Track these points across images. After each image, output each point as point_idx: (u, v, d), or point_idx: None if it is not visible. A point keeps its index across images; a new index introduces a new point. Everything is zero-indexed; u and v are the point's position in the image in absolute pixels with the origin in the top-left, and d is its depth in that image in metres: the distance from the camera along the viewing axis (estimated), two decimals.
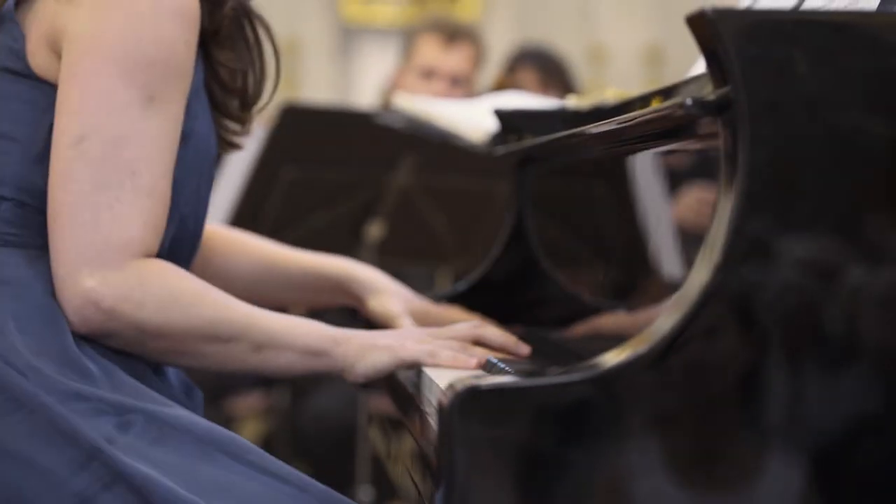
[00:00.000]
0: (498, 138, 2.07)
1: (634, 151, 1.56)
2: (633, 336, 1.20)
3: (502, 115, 2.04)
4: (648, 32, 6.33)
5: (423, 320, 1.80)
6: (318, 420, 3.63)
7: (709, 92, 1.23)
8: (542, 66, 4.24)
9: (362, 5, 6.28)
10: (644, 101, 1.70)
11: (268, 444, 3.84)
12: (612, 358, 1.18)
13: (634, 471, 1.18)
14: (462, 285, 2.01)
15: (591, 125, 1.55)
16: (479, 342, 1.54)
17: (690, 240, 1.40)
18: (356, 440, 3.17)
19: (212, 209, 1.66)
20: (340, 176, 3.04)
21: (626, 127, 1.45)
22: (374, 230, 3.08)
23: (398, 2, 6.34)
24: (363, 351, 1.49)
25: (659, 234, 1.52)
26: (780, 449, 1.19)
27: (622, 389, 1.17)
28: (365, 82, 6.06)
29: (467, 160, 3.01)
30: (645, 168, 1.55)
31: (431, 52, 3.86)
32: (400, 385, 1.56)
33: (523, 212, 1.99)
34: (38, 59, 1.47)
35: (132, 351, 1.45)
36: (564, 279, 1.89)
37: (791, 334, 1.19)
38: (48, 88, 1.46)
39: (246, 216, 2.97)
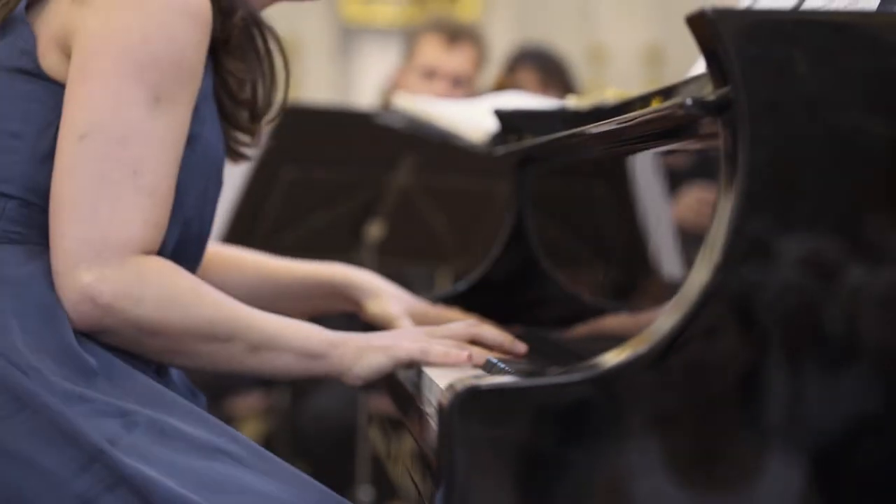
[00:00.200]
0: (498, 138, 2.07)
1: (634, 151, 1.56)
2: (634, 336, 1.20)
3: (502, 115, 2.04)
4: (648, 32, 6.33)
5: (421, 321, 1.80)
6: (318, 420, 3.63)
7: (709, 92, 1.23)
8: (542, 66, 4.24)
9: (362, 5, 6.28)
10: (644, 101, 1.70)
11: (268, 444, 3.83)
12: (612, 358, 1.18)
13: (634, 471, 1.18)
14: (462, 285, 2.01)
15: (591, 125, 1.55)
16: (475, 341, 1.54)
17: (690, 240, 1.40)
18: (356, 440, 3.17)
19: None
20: (340, 176, 3.03)
21: (626, 127, 1.45)
22: (374, 230, 3.08)
23: (398, 2, 6.34)
24: (360, 353, 1.49)
25: (659, 234, 1.52)
26: (780, 449, 1.19)
27: (622, 389, 1.17)
28: (365, 82, 6.05)
29: (467, 160, 3.01)
30: (645, 168, 1.55)
31: (433, 52, 3.86)
32: (400, 385, 1.56)
33: (523, 212, 1.99)
34: (48, 59, 1.48)
35: (129, 349, 1.45)
36: (564, 279, 1.89)
37: (791, 334, 1.19)
38: (58, 89, 1.46)
39: (246, 216, 2.97)
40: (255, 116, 1.64)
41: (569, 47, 5.35)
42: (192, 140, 1.50)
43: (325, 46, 6.17)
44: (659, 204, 1.52)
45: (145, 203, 1.43)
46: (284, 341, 1.48)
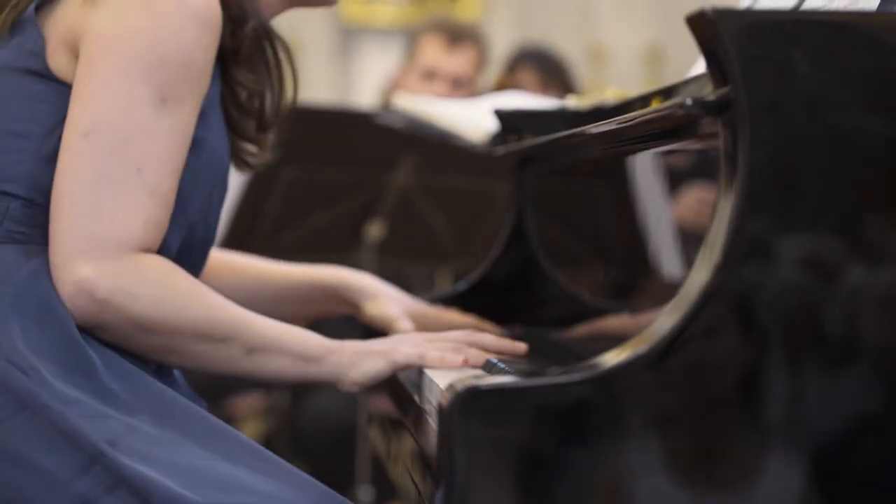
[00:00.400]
0: (498, 138, 2.07)
1: (634, 151, 1.56)
2: (634, 336, 1.20)
3: (502, 115, 2.04)
4: (648, 32, 6.32)
5: (420, 322, 1.80)
6: (318, 420, 3.63)
7: (709, 92, 1.23)
8: (542, 66, 4.24)
9: (362, 5, 6.28)
10: (644, 101, 1.70)
11: (268, 444, 3.81)
12: (612, 358, 1.18)
13: (634, 471, 1.18)
14: (462, 285, 2.01)
15: (591, 125, 1.55)
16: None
17: (690, 240, 1.40)
18: (356, 440, 3.17)
19: None
20: (340, 176, 3.03)
21: (626, 127, 1.45)
22: (374, 230, 3.08)
23: (398, 2, 6.34)
24: (357, 358, 1.49)
25: (659, 234, 1.52)
26: (780, 449, 1.19)
27: (622, 389, 1.17)
28: (365, 82, 6.05)
29: (467, 160, 3.01)
30: (645, 168, 1.55)
31: (434, 53, 3.85)
32: (400, 385, 1.56)
33: (523, 212, 1.99)
34: (56, 60, 1.48)
35: (125, 346, 1.44)
36: (564, 279, 1.89)
37: (791, 334, 1.19)
38: (66, 90, 1.47)
39: (246, 216, 2.97)
40: (262, 127, 1.64)
41: (569, 47, 5.35)
42: (198, 145, 1.50)
43: (325, 46, 6.17)
44: (659, 204, 1.52)
45: (147, 202, 1.43)
46: (280, 344, 1.48)
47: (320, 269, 1.89)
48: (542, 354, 1.63)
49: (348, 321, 1.89)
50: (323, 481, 1.44)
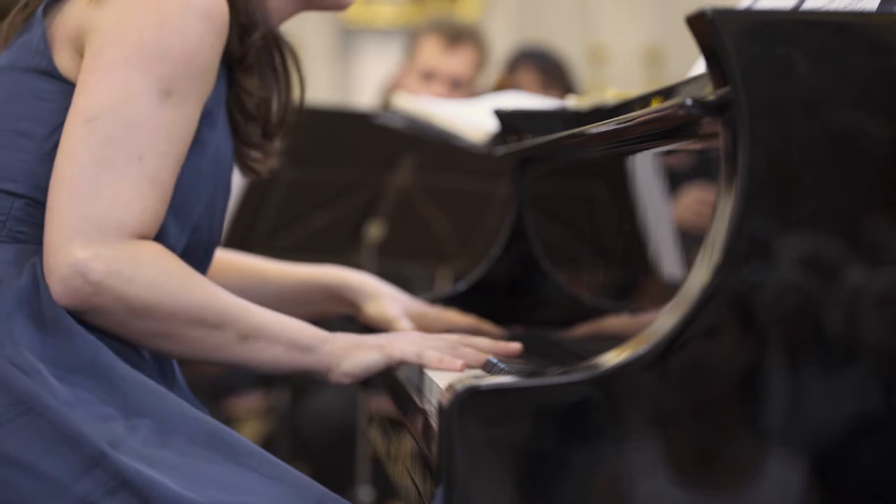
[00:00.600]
0: (498, 138, 2.07)
1: (634, 151, 1.56)
2: (634, 336, 1.20)
3: (502, 115, 2.04)
4: (648, 32, 6.33)
5: (419, 322, 1.80)
6: (317, 420, 3.63)
7: (709, 92, 1.23)
8: (542, 66, 4.24)
9: (362, 5, 6.28)
10: (644, 101, 1.70)
11: (268, 444, 3.83)
12: (612, 358, 1.18)
13: (634, 471, 1.18)
14: (462, 285, 2.01)
15: (591, 125, 1.55)
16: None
17: (690, 240, 1.40)
18: (356, 440, 3.17)
19: None
20: (340, 176, 3.03)
21: (626, 127, 1.45)
22: (374, 230, 3.08)
23: (398, 2, 6.34)
24: (351, 349, 1.49)
25: (659, 234, 1.52)
26: (779, 449, 1.19)
27: (622, 389, 1.17)
28: (365, 82, 6.06)
29: (467, 160, 3.01)
30: (645, 168, 1.55)
31: (432, 53, 3.85)
32: (400, 385, 1.55)
33: (523, 212, 1.99)
34: (62, 59, 1.48)
35: (118, 333, 1.44)
36: (564, 279, 1.89)
37: (791, 334, 1.19)
38: (71, 89, 1.47)
39: (246, 216, 2.97)
40: (268, 134, 1.64)
41: (569, 47, 5.35)
42: (202, 145, 1.50)
43: (325, 47, 6.17)
44: (659, 204, 1.52)
45: (147, 190, 1.43)
46: (274, 332, 1.47)
47: (320, 268, 1.89)
48: (542, 354, 1.63)
49: (348, 321, 1.89)
50: (323, 482, 1.44)
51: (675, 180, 1.49)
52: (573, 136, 1.67)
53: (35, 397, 1.35)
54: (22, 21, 1.54)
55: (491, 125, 2.21)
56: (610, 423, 1.17)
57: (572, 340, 1.76)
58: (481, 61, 3.92)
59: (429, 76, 3.83)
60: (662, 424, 1.18)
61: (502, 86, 3.88)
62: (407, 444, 1.61)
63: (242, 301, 1.48)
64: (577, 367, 1.18)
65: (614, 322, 1.64)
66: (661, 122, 1.36)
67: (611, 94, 1.89)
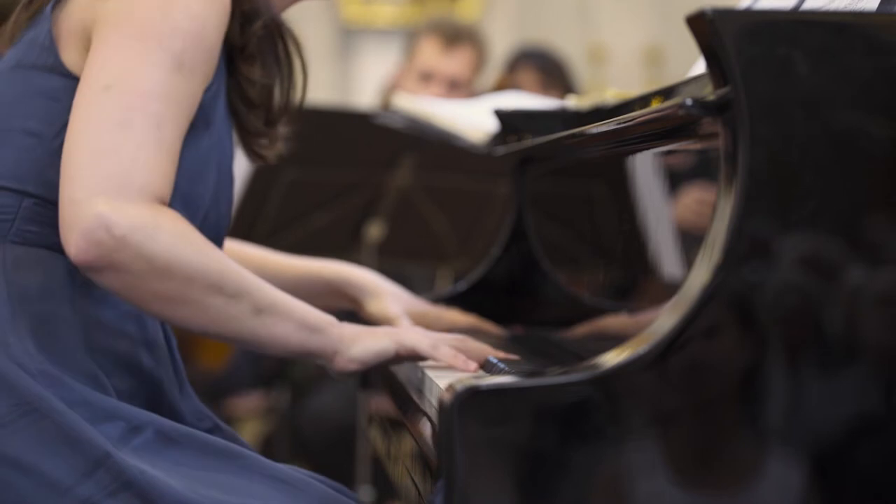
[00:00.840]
0: (498, 138, 2.08)
1: (634, 151, 1.56)
2: (634, 336, 1.20)
3: (502, 115, 2.04)
4: (648, 32, 6.33)
5: (420, 321, 1.80)
6: (317, 420, 3.63)
7: (709, 92, 1.23)
8: (542, 66, 4.24)
9: (362, 5, 6.28)
10: (644, 101, 1.70)
11: (268, 444, 3.84)
12: (612, 358, 1.18)
13: (634, 471, 1.18)
14: (462, 285, 2.01)
15: (591, 125, 1.55)
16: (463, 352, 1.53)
17: (690, 240, 1.40)
18: (356, 440, 3.17)
19: None
20: (340, 176, 3.04)
21: (626, 127, 1.45)
22: (374, 230, 3.08)
23: (398, 2, 6.34)
24: (361, 335, 1.48)
25: (659, 234, 1.52)
26: (779, 449, 1.19)
27: (622, 389, 1.17)
28: (365, 82, 6.06)
29: (467, 160, 3.01)
30: (645, 168, 1.55)
31: (431, 54, 3.84)
32: (400, 385, 1.56)
33: (523, 212, 1.99)
34: (69, 55, 1.47)
35: (132, 296, 1.40)
36: (564, 279, 1.89)
37: (791, 334, 1.19)
38: (77, 84, 1.46)
39: (246, 216, 2.97)
40: (271, 121, 1.64)
41: (569, 47, 5.35)
42: (207, 123, 1.49)
43: (325, 47, 6.17)
44: (659, 204, 1.52)
45: (165, 157, 1.41)
46: (287, 308, 1.45)
47: (323, 262, 1.89)
48: (542, 354, 1.64)
49: (349, 316, 1.89)
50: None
51: (675, 180, 1.49)
52: (573, 136, 1.67)
53: (38, 398, 1.35)
54: (27, 19, 1.53)
55: (491, 125, 2.21)
56: (610, 423, 1.17)
57: (572, 340, 1.76)
58: (480, 62, 3.91)
59: (427, 77, 3.83)
60: (662, 424, 1.18)
61: (502, 86, 3.88)
62: (407, 444, 1.61)
63: (256, 276, 1.46)
64: (577, 367, 1.18)
65: (614, 322, 1.64)
66: (661, 122, 1.36)
67: (611, 94, 1.89)
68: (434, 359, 1.48)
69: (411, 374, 1.55)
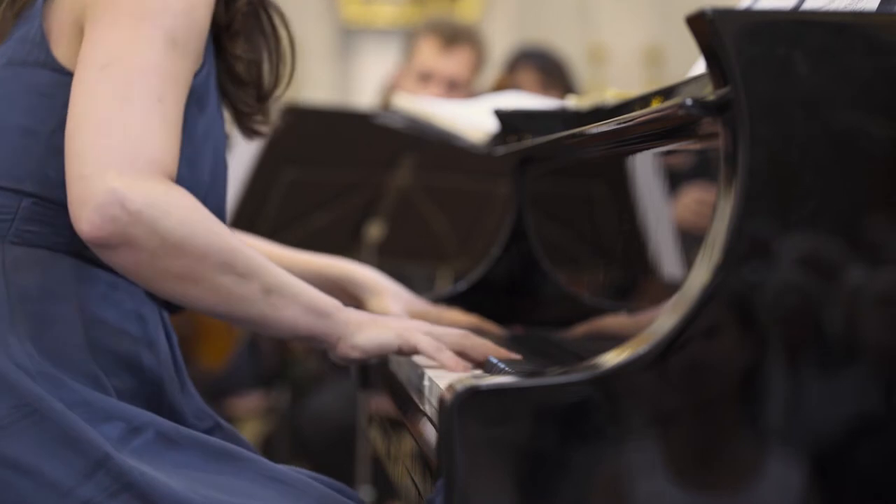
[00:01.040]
0: (498, 138, 2.08)
1: (634, 151, 1.56)
2: (634, 336, 1.20)
3: (502, 115, 2.04)
4: (648, 32, 6.33)
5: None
6: (317, 420, 3.63)
7: (709, 92, 1.23)
8: (542, 66, 4.24)
9: (362, 5, 6.29)
10: (644, 101, 1.70)
11: (268, 444, 3.85)
12: (612, 358, 1.18)
13: (634, 471, 1.18)
14: (462, 285, 2.01)
15: (591, 125, 1.55)
16: (462, 353, 1.52)
17: (690, 240, 1.40)
18: (356, 440, 3.18)
19: None
20: (340, 176, 3.04)
21: (626, 127, 1.45)
22: (374, 230, 3.08)
23: (398, 2, 6.34)
24: (367, 323, 1.48)
25: (659, 234, 1.52)
26: (779, 449, 1.19)
27: (622, 389, 1.17)
28: (365, 82, 6.06)
29: (467, 160, 3.01)
30: (645, 168, 1.55)
31: (429, 54, 3.84)
32: (400, 385, 1.55)
33: (523, 212, 1.99)
34: (61, 49, 1.47)
35: (142, 274, 1.39)
36: (564, 279, 1.89)
37: (791, 334, 1.19)
38: (70, 79, 1.45)
39: (246, 216, 2.97)
40: (262, 97, 1.63)
41: (569, 47, 5.36)
42: (202, 107, 1.49)
43: (325, 47, 6.18)
44: (659, 204, 1.52)
45: (170, 131, 1.40)
46: (296, 291, 1.45)
47: (326, 259, 1.89)
48: (542, 354, 1.63)
49: None
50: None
51: (675, 180, 1.49)
52: (573, 136, 1.67)
53: (39, 399, 1.35)
54: (13, 16, 1.52)
55: (491, 125, 2.21)
56: (610, 423, 1.17)
57: (572, 340, 1.76)
58: (478, 62, 3.91)
59: (426, 77, 3.83)
60: (662, 424, 1.18)
61: (502, 86, 3.87)
62: (407, 444, 1.61)
63: (265, 258, 1.45)
64: (577, 367, 1.18)
65: (614, 322, 1.64)
66: (661, 122, 1.36)
67: (611, 94, 1.89)
68: (435, 361, 1.48)
69: (411, 374, 1.55)
